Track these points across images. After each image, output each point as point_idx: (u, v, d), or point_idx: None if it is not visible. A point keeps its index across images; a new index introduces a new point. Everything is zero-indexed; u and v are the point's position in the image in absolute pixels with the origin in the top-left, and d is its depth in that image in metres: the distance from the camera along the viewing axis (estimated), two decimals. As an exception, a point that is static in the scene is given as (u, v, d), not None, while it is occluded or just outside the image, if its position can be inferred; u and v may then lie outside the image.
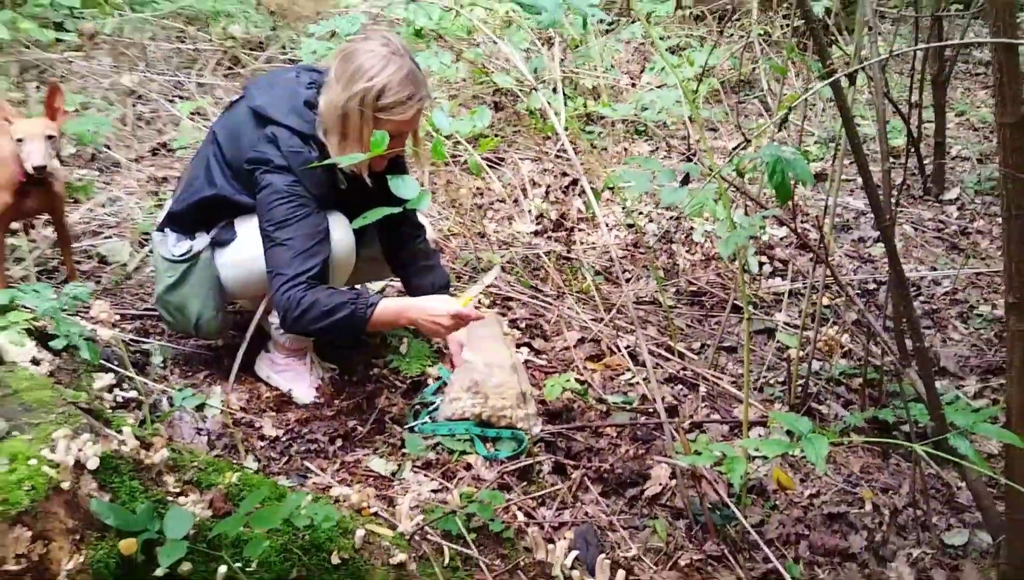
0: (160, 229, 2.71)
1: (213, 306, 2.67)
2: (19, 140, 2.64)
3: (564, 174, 4.46)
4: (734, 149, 2.03)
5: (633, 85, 5.30)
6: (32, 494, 1.41)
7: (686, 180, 2.12)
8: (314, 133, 2.47)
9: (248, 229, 2.61)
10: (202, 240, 2.65)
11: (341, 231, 2.53)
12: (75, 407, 1.65)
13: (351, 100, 2.36)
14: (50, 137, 2.67)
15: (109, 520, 1.45)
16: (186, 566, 1.48)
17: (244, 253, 2.60)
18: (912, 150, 4.59)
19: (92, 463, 1.50)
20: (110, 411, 2.32)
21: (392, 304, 2.48)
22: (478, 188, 4.36)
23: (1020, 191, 1.82)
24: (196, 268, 2.64)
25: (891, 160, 2.48)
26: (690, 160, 2.29)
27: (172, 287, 2.67)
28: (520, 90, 4.20)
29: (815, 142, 5.11)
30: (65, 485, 1.45)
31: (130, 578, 1.44)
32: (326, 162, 2.29)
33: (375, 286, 3.18)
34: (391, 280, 3.20)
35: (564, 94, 4.26)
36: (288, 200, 2.43)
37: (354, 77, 2.35)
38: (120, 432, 1.65)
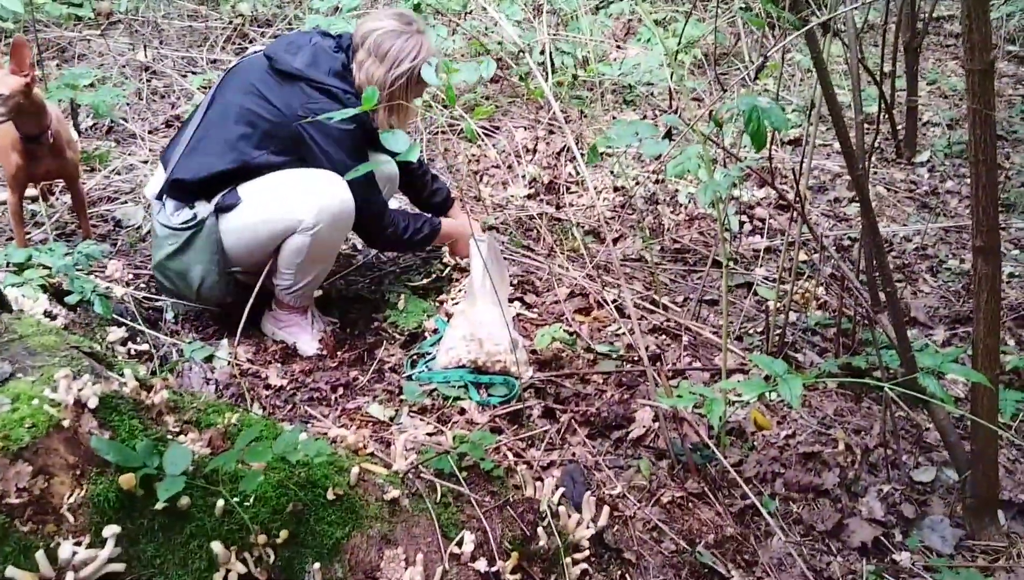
0: (158, 198, 2.63)
1: (216, 271, 2.60)
2: None
3: (551, 133, 4.38)
4: (713, 107, 1.96)
5: (619, 48, 5.20)
6: (33, 431, 1.36)
7: (668, 134, 2.05)
8: (357, 94, 2.55)
9: (251, 193, 2.54)
10: (205, 207, 2.57)
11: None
12: (78, 351, 1.60)
13: (399, 78, 2.55)
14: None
15: (109, 456, 1.39)
16: (184, 500, 1.43)
17: (249, 217, 2.54)
18: (885, 116, 4.50)
19: (92, 402, 1.44)
20: (122, 362, 2.28)
21: (444, 226, 2.94)
22: (474, 155, 4.28)
23: (987, 137, 1.75)
24: (200, 235, 2.57)
25: (865, 123, 2.40)
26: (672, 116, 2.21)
27: (174, 254, 2.59)
28: (512, 57, 4.11)
29: (792, 110, 5.01)
30: (66, 423, 1.40)
31: (130, 512, 1.40)
32: (351, 111, 2.11)
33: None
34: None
35: (551, 57, 4.16)
36: (355, 140, 2.59)
37: (398, 59, 2.55)
38: (122, 375, 1.60)
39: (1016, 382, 2.88)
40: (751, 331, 3.05)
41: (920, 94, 5.02)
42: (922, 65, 5.41)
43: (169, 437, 1.53)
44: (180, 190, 2.57)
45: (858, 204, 2.57)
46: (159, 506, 1.40)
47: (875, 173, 4.45)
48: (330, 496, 1.64)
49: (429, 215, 2.99)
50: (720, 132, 2.03)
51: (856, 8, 2.10)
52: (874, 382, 2.12)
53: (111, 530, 1.34)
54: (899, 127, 4.81)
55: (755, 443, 2.46)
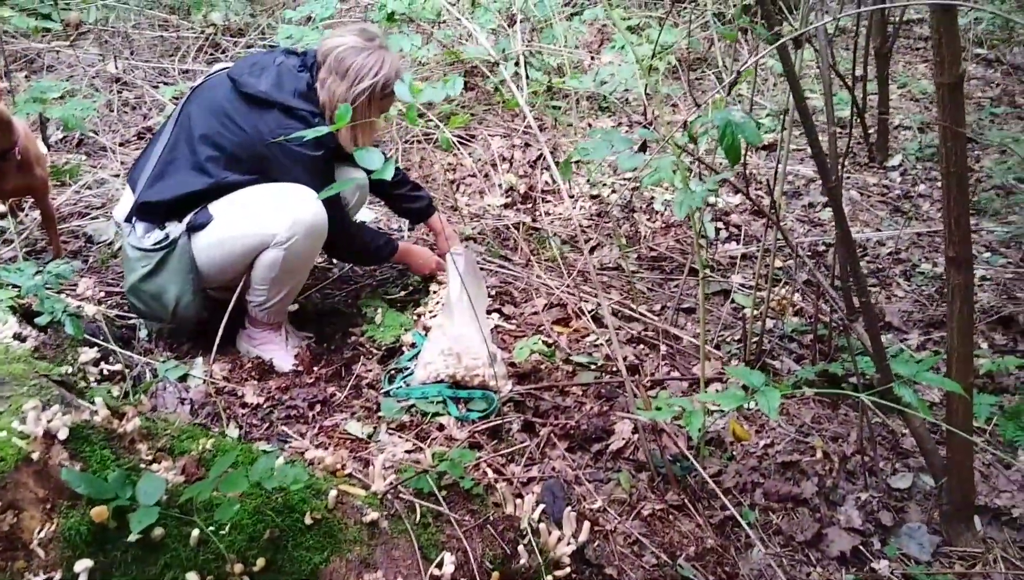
0: (127, 220, 2.59)
1: (191, 290, 2.57)
2: None
3: (527, 145, 4.37)
4: (688, 120, 1.97)
5: (593, 59, 5.21)
6: (1, 465, 1.33)
7: (643, 147, 2.05)
8: (322, 114, 2.56)
9: (223, 210, 2.52)
10: (176, 227, 2.54)
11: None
12: (47, 379, 1.57)
13: (361, 94, 2.53)
14: None
15: (80, 488, 1.37)
16: (158, 531, 1.41)
17: (221, 233, 2.51)
18: (857, 120, 4.54)
19: (62, 433, 1.42)
20: (96, 384, 2.24)
21: (402, 246, 2.98)
22: (450, 164, 4.26)
23: (957, 149, 1.76)
24: (173, 255, 2.54)
25: (837, 129, 2.42)
26: (647, 129, 2.22)
27: (148, 276, 2.56)
28: (486, 66, 4.10)
29: (767, 115, 5.04)
30: (35, 455, 1.37)
31: (102, 545, 1.37)
32: (319, 130, 2.15)
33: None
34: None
35: (527, 65, 4.15)
36: (321, 163, 2.59)
37: (359, 75, 2.53)
38: (93, 403, 1.57)
39: (990, 386, 2.91)
40: (728, 339, 3.06)
41: (891, 98, 5.07)
42: (892, 68, 5.47)
43: (142, 466, 1.51)
44: (150, 212, 2.54)
45: (830, 204, 2.59)
46: (132, 538, 1.38)
47: (848, 177, 4.49)
48: (308, 521, 1.62)
49: (390, 235, 3.07)
50: (695, 143, 2.03)
51: (828, 22, 2.11)
52: (850, 393, 2.13)
53: (83, 564, 1.31)
54: (871, 131, 4.86)
55: (734, 453, 2.46)
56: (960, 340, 2.00)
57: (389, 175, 1.85)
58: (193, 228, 2.51)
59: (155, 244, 2.52)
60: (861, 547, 2.19)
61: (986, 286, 3.52)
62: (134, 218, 2.56)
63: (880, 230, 4.04)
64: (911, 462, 2.50)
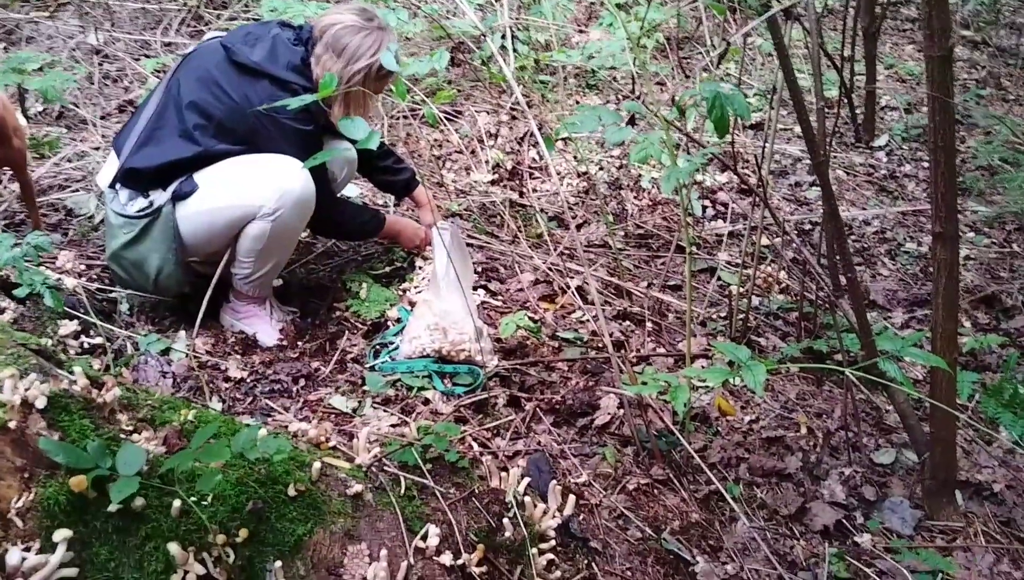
0: (111, 186, 2.55)
1: (173, 261, 2.54)
2: None
3: (514, 119, 4.34)
4: (676, 94, 1.95)
5: (581, 31, 5.17)
6: (-23, 434, 1.30)
7: (632, 121, 2.03)
8: (314, 89, 2.49)
9: (209, 180, 2.48)
10: (161, 195, 2.50)
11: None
12: (25, 348, 1.54)
13: (356, 74, 2.50)
14: None
15: (58, 458, 1.34)
16: (139, 501, 1.39)
17: (207, 203, 2.48)
18: (845, 100, 4.53)
19: (40, 402, 1.39)
20: (76, 357, 2.20)
21: (389, 219, 2.95)
22: (437, 140, 4.23)
23: (946, 122, 1.76)
24: (157, 223, 2.50)
25: (825, 108, 2.41)
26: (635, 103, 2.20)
27: (129, 244, 2.52)
28: (473, 41, 4.05)
29: (755, 94, 5.02)
30: (12, 424, 1.34)
31: (82, 515, 1.35)
32: (307, 98, 2.14)
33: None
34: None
35: (515, 38, 4.11)
36: (310, 137, 2.55)
37: (356, 55, 2.50)
38: (72, 373, 1.54)
39: (972, 363, 2.93)
40: (715, 316, 3.06)
41: (878, 78, 5.07)
42: (880, 49, 5.46)
43: (122, 436, 1.49)
44: (134, 179, 2.50)
45: (819, 188, 2.59)
46: (112, 508, 1.36)
47: (835, 157, 4.49)
48: (291, 492, 1.60)
49: (377, 209, 3.04)
50: (683, 117, 2.02)
51: (818, -6, 2.10)
52: (835, 367, 2.13)
53: (62, 534, 1.29)
54: (858, 111, 4.85)
55: (719, 428, 2.46)
56: (945, 315, 2.00)
57: (375, 145, 1.82)
58: (178, 197, 2.47)
59: (139, 211, 2.48)
60: (844, 521, 2.20)
61: (970, 265, 3.54)
62: (118, 184, 2.52)
63: (866, 209, 4.04)
64: (894, 438, 2.51)
